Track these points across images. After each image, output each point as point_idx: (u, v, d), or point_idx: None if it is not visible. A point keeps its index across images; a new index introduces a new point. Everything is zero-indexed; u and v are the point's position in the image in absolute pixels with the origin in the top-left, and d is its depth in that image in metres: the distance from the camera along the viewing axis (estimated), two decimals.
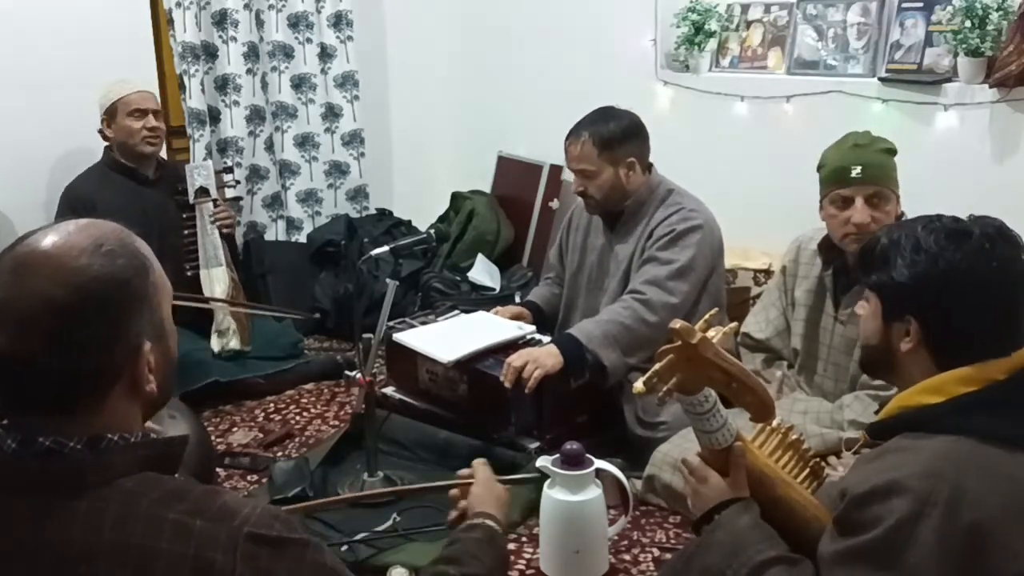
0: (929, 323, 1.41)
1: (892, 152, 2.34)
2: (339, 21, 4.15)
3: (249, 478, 2.74)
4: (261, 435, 3.01)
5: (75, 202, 3.15)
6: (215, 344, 3.26)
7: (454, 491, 1.79)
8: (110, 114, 3.26)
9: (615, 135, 2.76)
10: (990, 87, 2.88)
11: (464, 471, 1.79)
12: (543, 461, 2.21)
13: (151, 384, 1.10)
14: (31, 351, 1.02)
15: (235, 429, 3.06)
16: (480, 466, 1.78)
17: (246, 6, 3.92)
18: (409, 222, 4.24)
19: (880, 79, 3.15)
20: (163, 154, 3.46)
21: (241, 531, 1.03)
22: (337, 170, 4.26)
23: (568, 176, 4.04)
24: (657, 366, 1.52)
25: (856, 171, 2.29)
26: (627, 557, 2.28)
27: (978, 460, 1.31)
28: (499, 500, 1.72)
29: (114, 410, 1.08)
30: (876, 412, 1.58)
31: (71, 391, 1.05)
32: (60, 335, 1.02)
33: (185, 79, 3.77)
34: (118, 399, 1.08)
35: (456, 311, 3.15)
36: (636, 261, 2.78)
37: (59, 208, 3.23)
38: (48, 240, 1.07)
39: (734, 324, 1.72)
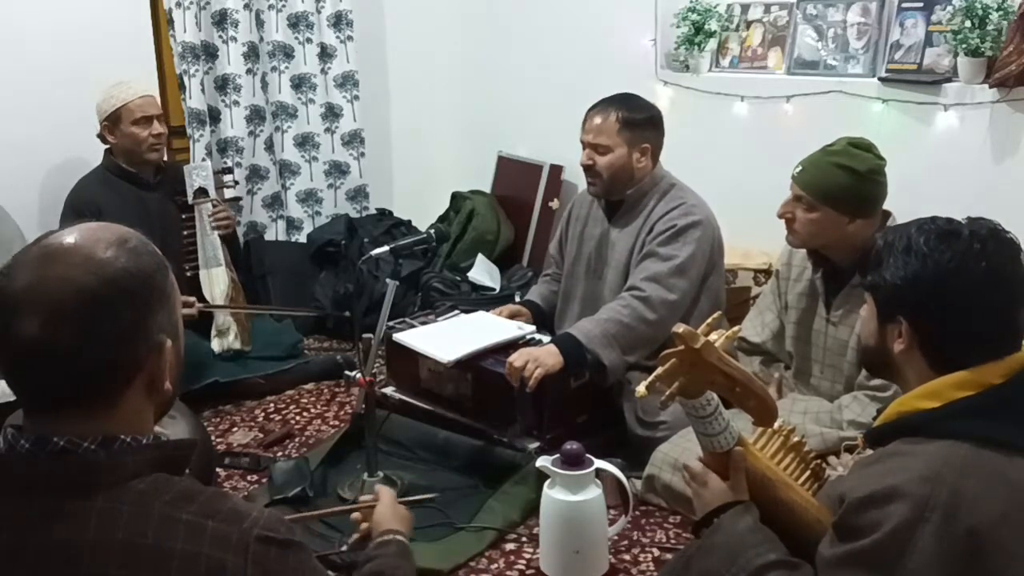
0: (919, 324, 1.41)
1: (849, 171, 2.25)
2: (339, 21, 4.15)
3: (249, 478, 2.74)
4: (261, 435, 3.01)
5: (80, 207, 3.11)
6: (215, 344, 3.26)
7: (355, 514, 1.81)
8: (112, 120, 3.19)
9: (639, 118, 2.79)
10: (990, 87, 2.88)
11: (366, 497, 1.82)
12: (543, 461, 2.21)
13: (167, 383, 1.11)
14: (59, 339, 1.02)
15: (235, 429, 3.06)
16: (383, 490, 1.82)
17: (246, 6, 3.92)
18: (409, 222, 4.24)
19: (880, 79, 3.15)
20: (164, 156, 3.45)
21: (251, 533, 1.05)
22: (337, 170, 4.26)
23: (569, 176, 4.06)
24: (660, 370, 1.51)
25: (797, 169, 2.34)
26: (627, 557, 2.28)
27: (976, 464, 1.31)
28: (404, 519, 1.75)
29: (129, 410, 1.08)
30: (875, 415, 1.57)
31: (93, 384, 1.05)
32: (89, 324, 1.03)
33: (185, 79, 3.77)
34: (134, 398, 1.09)
35: (456, 311, 3.15)
36: (636, 254, 2.79)
37: (63, 213, 3.19)
38: (73, 235, 1.08)
39: (736, 328, 1.72)
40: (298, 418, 3.16)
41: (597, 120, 2.80)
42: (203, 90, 3.84)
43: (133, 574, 1.00)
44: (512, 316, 3.00)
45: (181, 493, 1.06)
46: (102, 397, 1.06)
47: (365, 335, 2.58)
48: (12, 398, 1.08)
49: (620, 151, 2.77)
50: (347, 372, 2.65)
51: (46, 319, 1.02)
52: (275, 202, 4.16)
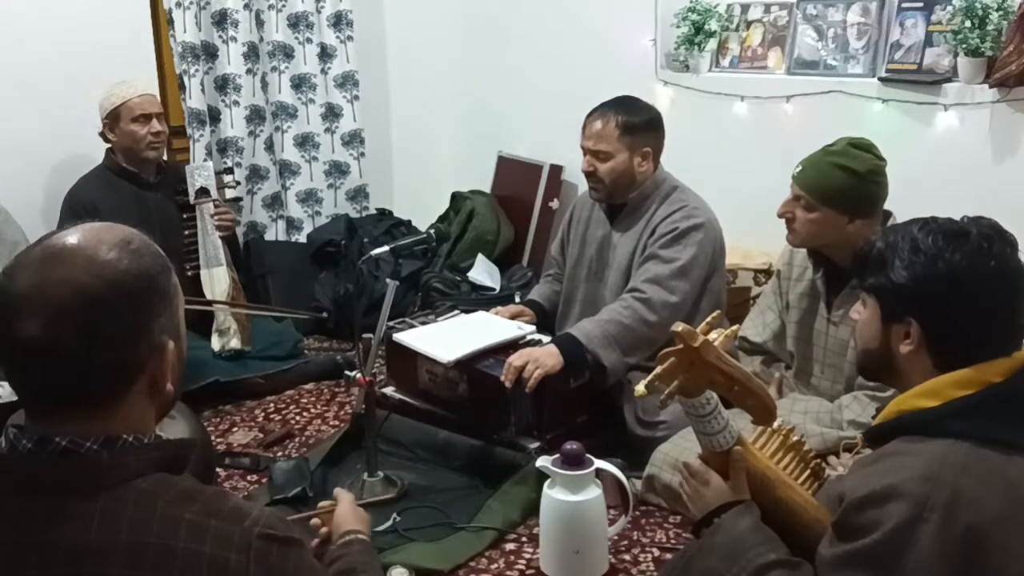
0: (930, 324, 1.41)
1: (849, 171, 2.25)
2: (339, 21, 4.15)
3: (249, 478, 2.74)
4: (261, 435, 3.01)
5: (78, 207, 3.12)
6: (216, 344, 3.26)
7: (315, 520, 1.82)
8: (112, 118, 3.22)
9: (639, 122, 2.78)
10: (990, 87, 2.88)
11: (325, 503, 1.84)
12: (543, 461, 2.21)
13: (169, 384, 1.12)
14: (61, 340, 1.02)
15: (235, 429, 3.06)
16: (342, 494, 1.83)
17: (246, 6, 3.92)
18: (409, 222, 4.24)
19: (880, 79, 3.16)
20: (163, 155, 3.45)
21: (253, 531, 1.05)
22: (337, 170, 4.26)
23: (569, 176, 4.06)
24: (659, 369, 1.51)
25: (797, 169, 2.35)
26: (627, 557, 2.28)
27: (975, 463, 1.31)
28: (363, 521, 1.75)
29: (131, 410, 1.09)
30: (874, 415, 1.58)
31: (95, 385, 1.05)
32: (91, 326, 1.03)
33: (185, 79, 3.77)
34: (136, 398, 1.09)
35: (456, 311, 3.15)
36: (637, 257, 2.79)
37: (62, 213, 3.21)
38: (76, 236, 1.08)
39: (735, 327, 1.72)
40: (298, 418, 3.16)
41: (597, 126, 2.79)
42: (203, 90, 3.84)
43: (137, 574, 1.00)
44: (514, 317, 2.99)
45: (183, 493, 1.06)
46: (104, 398, 1.06)
47: (365, 335, 2.58)
48: (14, 398, 1.08)
49: (621, 156, 2.77)
50: (347, 372, 2.65)
51: (48, 320, 1.02)
52: (275, 202, 4.16)
